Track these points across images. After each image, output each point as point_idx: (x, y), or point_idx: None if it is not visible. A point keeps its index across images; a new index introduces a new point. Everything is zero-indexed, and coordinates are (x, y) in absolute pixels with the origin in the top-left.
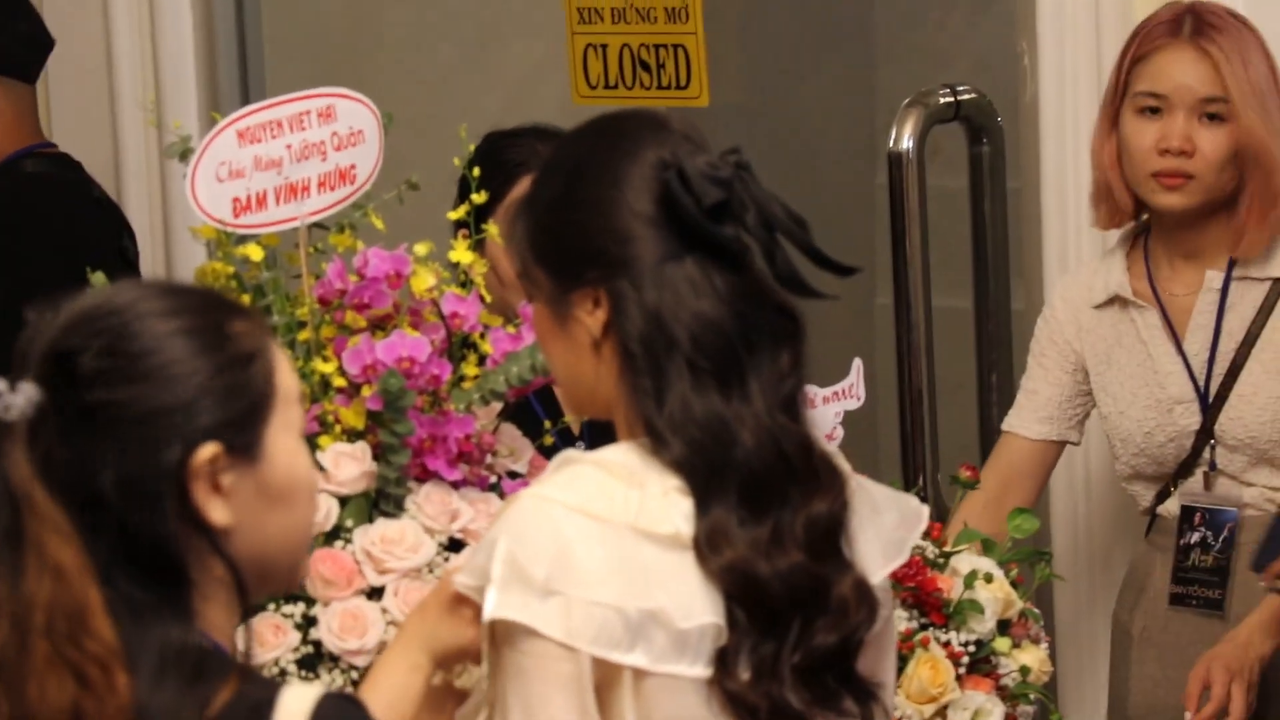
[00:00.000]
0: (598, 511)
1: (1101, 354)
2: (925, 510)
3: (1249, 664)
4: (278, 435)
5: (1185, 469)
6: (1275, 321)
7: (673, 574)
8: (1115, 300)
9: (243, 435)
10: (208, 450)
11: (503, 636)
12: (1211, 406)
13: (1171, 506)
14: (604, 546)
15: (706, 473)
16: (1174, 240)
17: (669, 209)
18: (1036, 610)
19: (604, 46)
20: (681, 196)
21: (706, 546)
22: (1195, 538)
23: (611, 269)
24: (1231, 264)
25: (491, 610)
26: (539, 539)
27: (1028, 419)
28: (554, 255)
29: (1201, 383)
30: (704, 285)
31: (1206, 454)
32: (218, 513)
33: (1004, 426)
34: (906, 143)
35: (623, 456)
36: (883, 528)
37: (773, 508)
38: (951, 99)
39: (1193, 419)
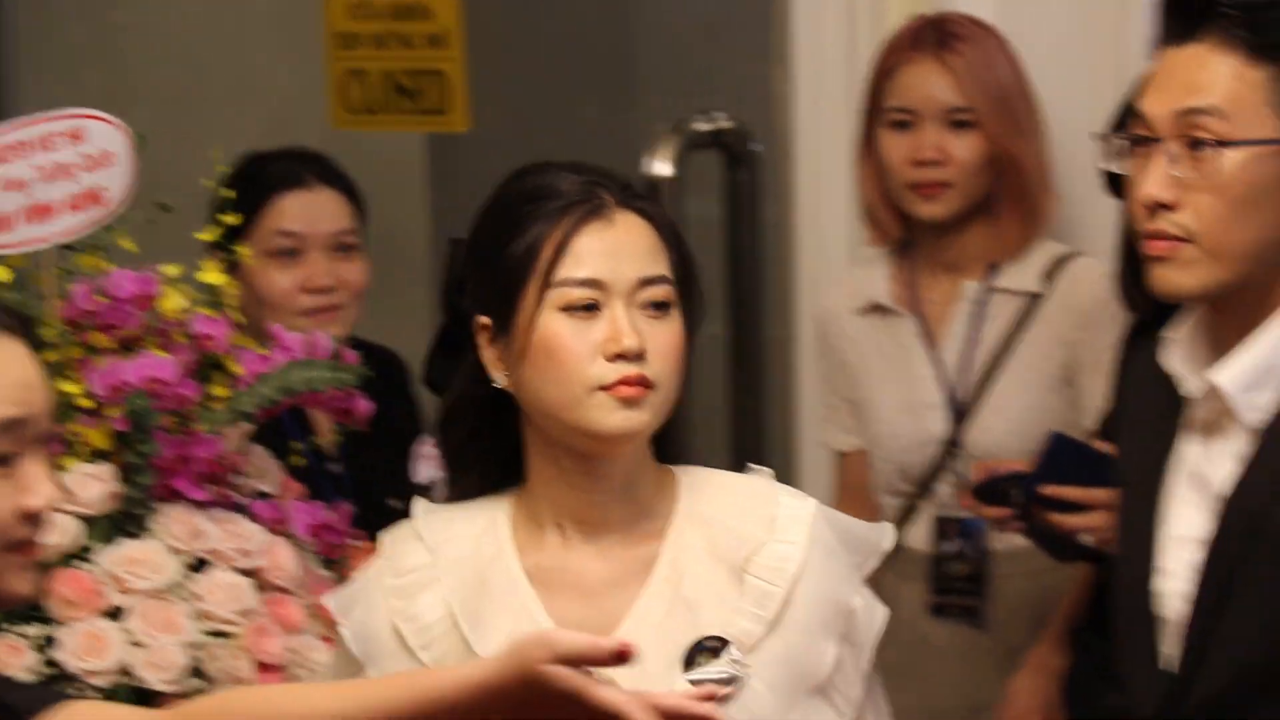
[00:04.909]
0: None
1: (861, 359)
2: None
3: (1049, 696)
4: None
5: (930, 482)
6: (1028, 336)
7: None
8: (876, 308)
9: None
10: None
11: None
12: (961, 416)
13: (917, 535)
14: None
15: None
16: (934, 250)
17: None
18: None
19: (363, 71)
20: None
21: None
22: (951, 548)
23: None
24: (989, 276)
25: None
26: None
27: (835, 432)
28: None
29: (952, 391)
30: None
31: (954, 465)
32: None
33: (823, 440)
34: (662, 168)
35: None
36: None
37: None
38: (709, 126)
39: (940, 426)
